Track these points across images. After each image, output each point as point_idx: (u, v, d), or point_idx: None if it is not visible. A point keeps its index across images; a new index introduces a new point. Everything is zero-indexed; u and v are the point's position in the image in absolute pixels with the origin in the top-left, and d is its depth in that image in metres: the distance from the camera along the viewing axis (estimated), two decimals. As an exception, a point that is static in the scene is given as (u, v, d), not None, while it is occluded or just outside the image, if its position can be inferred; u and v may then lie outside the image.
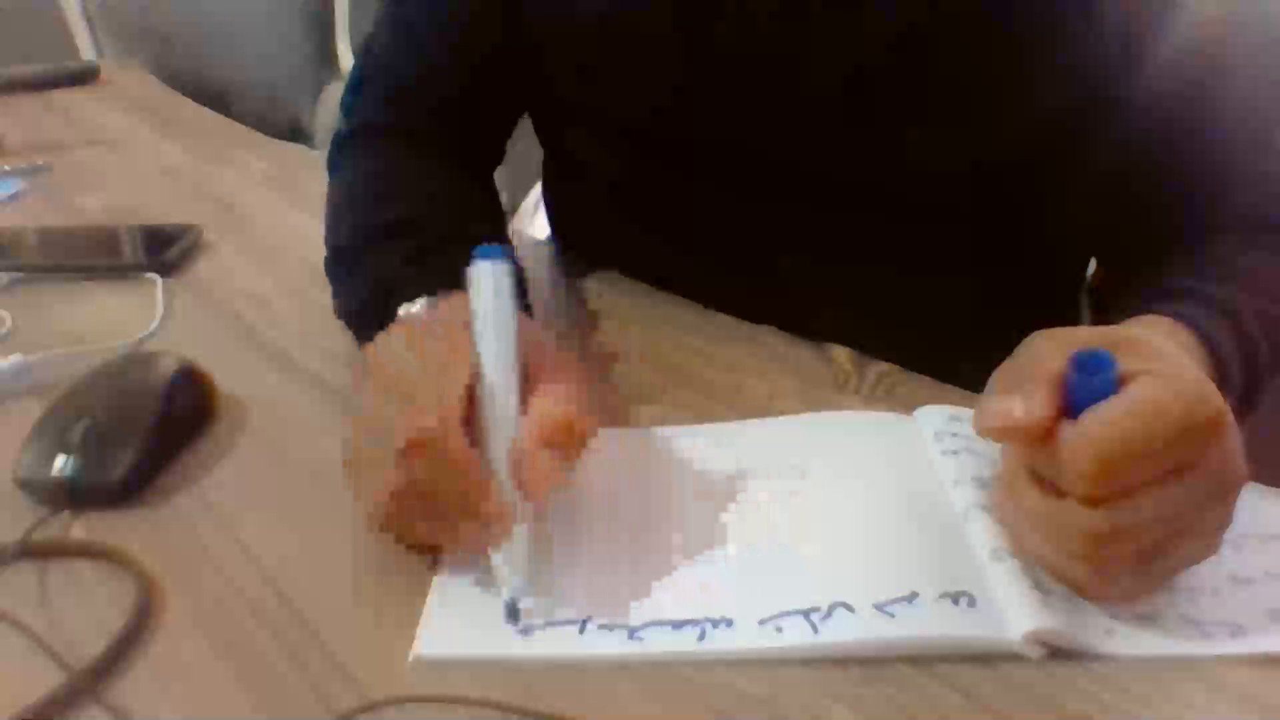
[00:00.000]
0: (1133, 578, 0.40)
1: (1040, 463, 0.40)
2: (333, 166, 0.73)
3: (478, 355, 0.45)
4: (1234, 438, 0.38)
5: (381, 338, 0.49)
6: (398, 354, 0.46)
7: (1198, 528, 0.39)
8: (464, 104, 0.72)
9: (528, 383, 0.46)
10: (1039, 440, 0.39)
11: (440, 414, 0.42)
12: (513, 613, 0.41)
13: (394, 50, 0.73)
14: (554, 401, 0.44)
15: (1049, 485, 0.40)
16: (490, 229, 0.66)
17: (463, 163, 0.72)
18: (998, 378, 0.42)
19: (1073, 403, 0.39)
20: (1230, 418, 0.38)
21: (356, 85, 0.75)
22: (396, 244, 0.59)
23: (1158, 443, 0.37)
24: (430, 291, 0.53)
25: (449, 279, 0.51)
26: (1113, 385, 0.38)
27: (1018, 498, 0.41)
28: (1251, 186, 0.59)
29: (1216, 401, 0.38)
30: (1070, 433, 0.38)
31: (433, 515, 0.43)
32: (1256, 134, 0.59)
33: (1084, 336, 0.42)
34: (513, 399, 0.45)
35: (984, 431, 0.41)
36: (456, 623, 0.42)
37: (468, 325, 0.46)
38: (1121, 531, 0.38)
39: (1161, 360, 0.40)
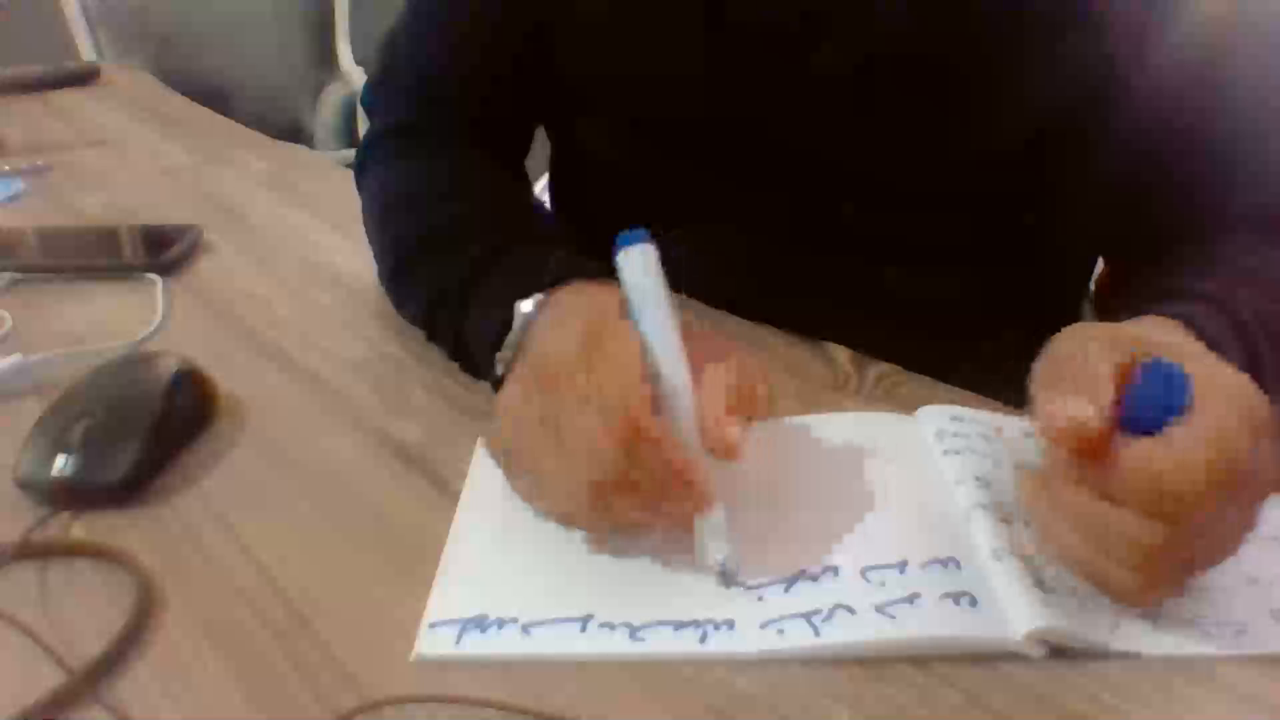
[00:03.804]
0: (1172, 585, 0.40)
1: (1090, 468, 0.39)
2: (366, 166, 0.73)
3: (642, 335, 0.45)
4: (1271, 443, 0.39)
5: (539, 331, 0.49)
6: (560, 345, 0.46)
7: (1233, 534, 0.39)
8: (492, 96, 0.72)
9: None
10: (1099, 447, 0.39)
11: (636, 399, 0.42)
12: (727, 576, 0.42)
13: (419, 45, 0.73)
14: (727, 372, 0.45)
15: (1096, 489, 0.39)
16: (551, 227, 0.66)
17: (501, 157, 0.73)
18: (1041, 376, 0.42)
19: (1132, 410, 0.39)
20: (1270, 423, 0.38)
21: (381, 82, 0.75)
22: (456, 253, 0.59)
23: (1233, 469, 0.37)
24: (515, 290, 0.52)
25: (527, 284, 0.52)
26: (1186, 403, 0.38)
27: (1062, 497, 0.41)
28: (1259, 183, 0.59)
29: (1265, 413, 0.38)
30: (1147, 450, 0.38)
31: (635, 496, 0.43)
32: (1263, 130, 0.59)
33: (1126, 335, 0.41)
34: (686, 373, 0.45)
35: (1049, 433, 0.40)
36: (467, 593, 0.43)
37: (622, 309, 0.47)
38: (1176, 543, 0.38)
39: (1217, 373, 0.40)
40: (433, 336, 0.62)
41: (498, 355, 0.53)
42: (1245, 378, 0.40)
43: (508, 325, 0.52)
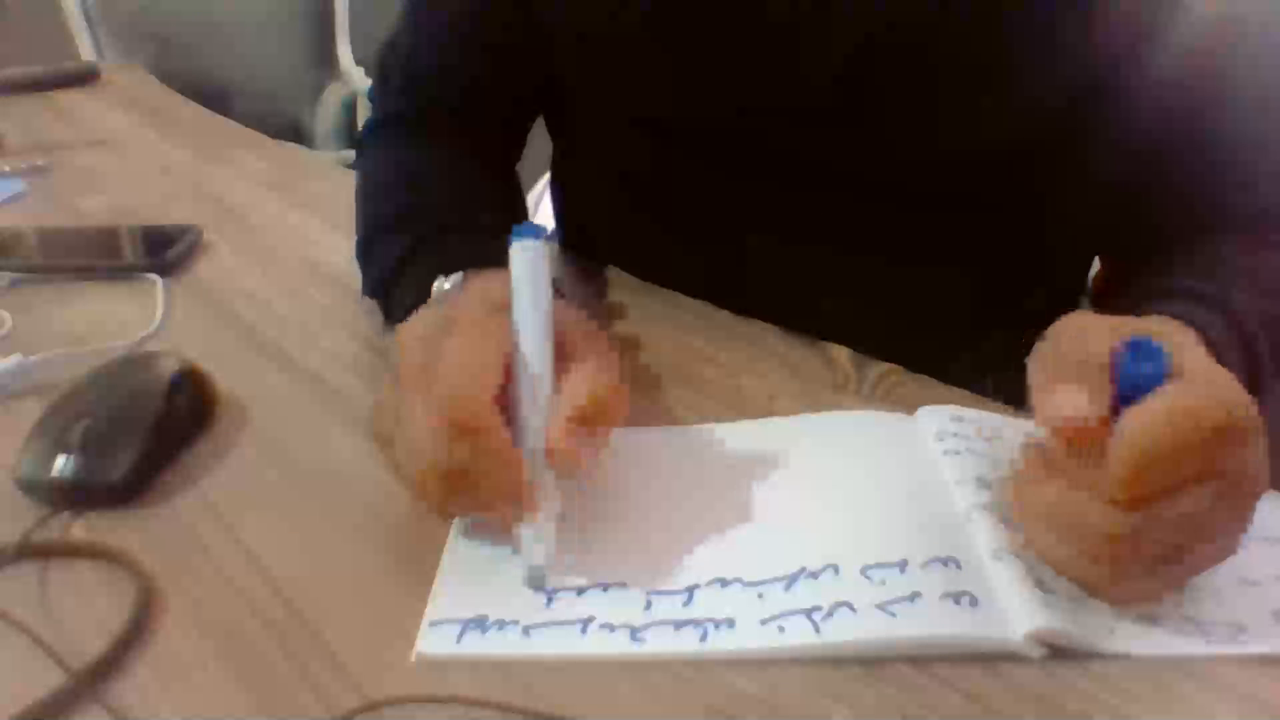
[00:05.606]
0: (1149, 580, 0.40)
1: (1083, 459, 0.39)
2: (360, 154, 0.77)
3: (515, 331, 0.45)
4: (1259, 443, 0.38)
5: (415, 318, 0.48)
6: (429, 334, 0.46)
7: (1217, 532, 0.39)
8: (482, 95, 0.74)
9: (561, 360, 0.46)
10: (1097, 435, 0.38)
11: (475, 397, 0.42)
12: (537, 581, 0.43)
13: (413, 42, 0.75)
14: (587, 379, 0.44)
15: (1069, 483, 0.39)
16: (502, 216, 0.66)
17: (482, 152, 0.74)
18: (1039, 365, 0.42)
19: (1118, 389, 0.39)
20: (1258, 423, 0.38)
21: (380, 76, 0.77)
22: (400, 235, 0.62)
23: (1192, 448, 0.37)
24: (436, 274, 0.54)
25: (447, 266, 0.53)
26: (1163, 376, 0.38)
27: (1035, 496, 0.41)
28: (1258, 183, 0.59)
29: (1247, 406, 0.38)
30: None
31: (468, 491, 0.43)
32: (1262, 130, 0.59)
33: (1122, 325, 0.41)
34: (547, 376, 0.45)
35: (1050, 424, 0.40)
36: (467, 594, 0.43)
37: (505, 302, 0.46)
38: (1144, 535, 0.38)
39: (1195, 360, 0.40)
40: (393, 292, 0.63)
41: None
42: (1226, 374, 0.40)
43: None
